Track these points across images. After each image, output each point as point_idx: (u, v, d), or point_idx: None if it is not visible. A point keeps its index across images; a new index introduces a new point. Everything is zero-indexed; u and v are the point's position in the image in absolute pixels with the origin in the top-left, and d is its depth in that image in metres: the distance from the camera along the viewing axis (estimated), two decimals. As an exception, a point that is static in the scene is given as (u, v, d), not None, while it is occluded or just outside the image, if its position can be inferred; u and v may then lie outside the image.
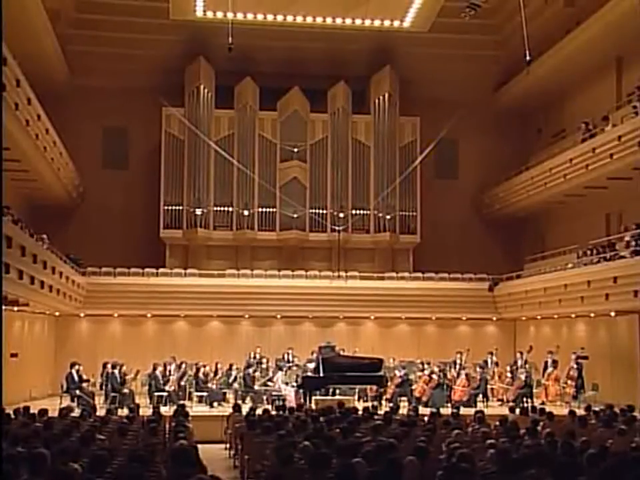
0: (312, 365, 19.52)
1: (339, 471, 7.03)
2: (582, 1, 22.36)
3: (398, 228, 26.56)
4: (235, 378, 20.13)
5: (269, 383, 19.90)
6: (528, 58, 19.38)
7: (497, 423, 12.32)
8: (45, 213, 24.20)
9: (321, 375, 18.41)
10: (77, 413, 14.06)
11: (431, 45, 25.66)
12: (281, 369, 20.35)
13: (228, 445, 15.03)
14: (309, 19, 24.80)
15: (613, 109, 21.84)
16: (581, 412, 14.64)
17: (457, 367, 20.48)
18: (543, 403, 18.68)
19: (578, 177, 21.69)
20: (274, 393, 19.36)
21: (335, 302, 23.96)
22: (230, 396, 20.01)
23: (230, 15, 21.48)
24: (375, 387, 19.45)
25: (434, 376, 19.76)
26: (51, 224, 23.21)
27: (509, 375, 20.54)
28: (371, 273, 25.57)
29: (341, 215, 26.14)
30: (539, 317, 23.95)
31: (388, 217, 26.18)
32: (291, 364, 21.20)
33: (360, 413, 13.67)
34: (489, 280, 25.10)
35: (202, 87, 25.92)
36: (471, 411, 15.22)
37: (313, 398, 18.35)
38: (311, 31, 24.99)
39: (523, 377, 19.79)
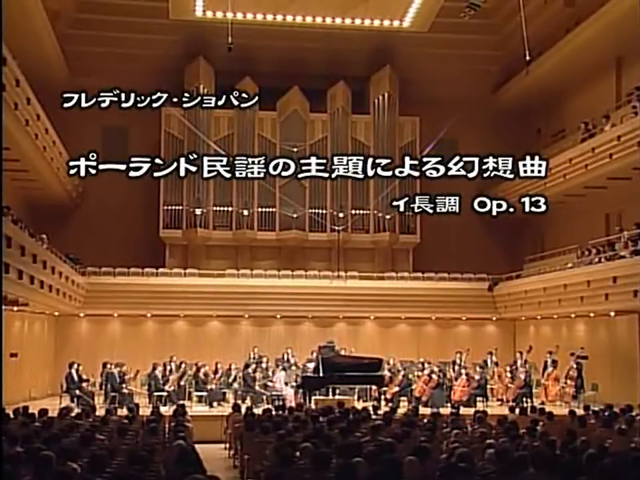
0: (312, 365, 19.52)
1: (339, 470, 7.03)
2: (582, 0, 22.34)
3: (398, 228, 26.54)
4: (235, 378, 20.12)
5: (269, 383, 19.89)
6: (527, 58, 19.39)
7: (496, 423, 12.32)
8: (45, 212, 24.14)
9: (321, 374, 18.42)
10: (76, 412, 14.06)
11: (430, 44, 25.62)
12: (285, 369, 20.32)
13: (228, 445, 15.04)
14: (309, 19, 24.76)
15: (612, 108, 21.83)
16: (580, 412, 14.65)
17: (457, 366, 20.49)
18: (542, 403, 18.68)
19: (577, 177, 21.67)
20: (274, 393, 19.36)
21: (335, 302, 23.95)
22: (230, 396, 20.01)
23: (230, 15, 21.48)
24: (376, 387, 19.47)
25: (434, 376, 19.74)
26: (50, 224, 23.17)
27: (508, 374, 20.53)
28: (371, 273, 25.55)
29: (341, 214, 26.11)
30: (538, 317, 23.94)
31: (388, 216, 26.14)
32: (290, 364, 21.20)
33: (360, 413, 13.67)
34: (489, 280, 25.09)
35: (202, 86, 25.87)
36: (471, 410, 15.22)
37: (313, 398, 18.36)
38: (311, 30, 24.95)
39: (522, 376, 19.80)
